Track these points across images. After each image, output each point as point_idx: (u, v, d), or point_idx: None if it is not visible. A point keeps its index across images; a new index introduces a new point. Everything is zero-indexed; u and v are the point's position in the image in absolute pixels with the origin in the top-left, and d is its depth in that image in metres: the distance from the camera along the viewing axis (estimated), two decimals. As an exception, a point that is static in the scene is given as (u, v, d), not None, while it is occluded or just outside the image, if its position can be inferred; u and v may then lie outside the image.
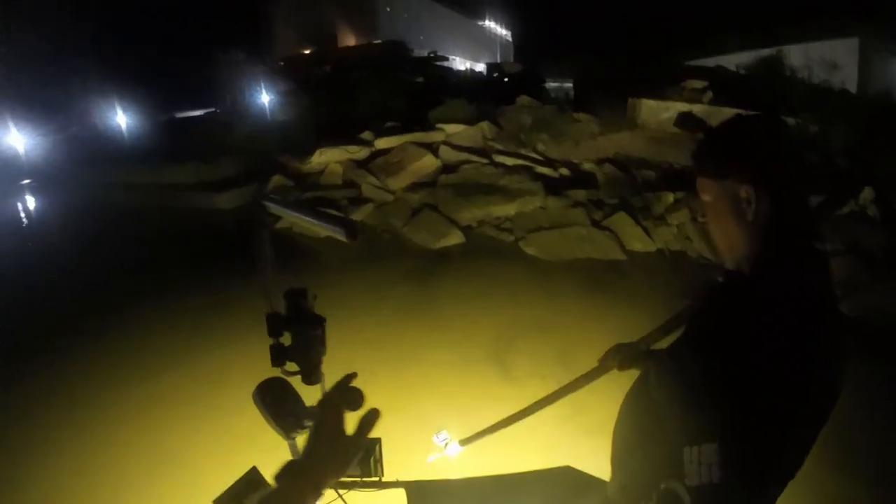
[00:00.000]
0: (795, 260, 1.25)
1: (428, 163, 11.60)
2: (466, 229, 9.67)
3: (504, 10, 48.96)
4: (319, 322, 1.52)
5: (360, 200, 11.01)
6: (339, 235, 1.25)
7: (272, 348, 1.55)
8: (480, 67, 30.50)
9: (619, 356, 1.91)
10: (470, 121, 13.13)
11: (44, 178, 16.75)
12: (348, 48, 26.08)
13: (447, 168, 11.59)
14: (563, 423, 4.29)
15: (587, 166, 11.44)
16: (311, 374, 1.53)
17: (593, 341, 5.69)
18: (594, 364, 2.02)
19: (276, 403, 1.53)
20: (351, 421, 1.07)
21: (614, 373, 1.94)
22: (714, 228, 1.39)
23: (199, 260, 9.55)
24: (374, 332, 6.43)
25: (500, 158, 11.64)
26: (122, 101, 21.72)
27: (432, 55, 24.02)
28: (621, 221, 9.38)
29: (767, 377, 1.09)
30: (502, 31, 50.22)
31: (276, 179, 12.22)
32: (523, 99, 15.02)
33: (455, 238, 9.38)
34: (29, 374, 6.03)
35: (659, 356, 1.62)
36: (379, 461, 1.63)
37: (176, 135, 17.89)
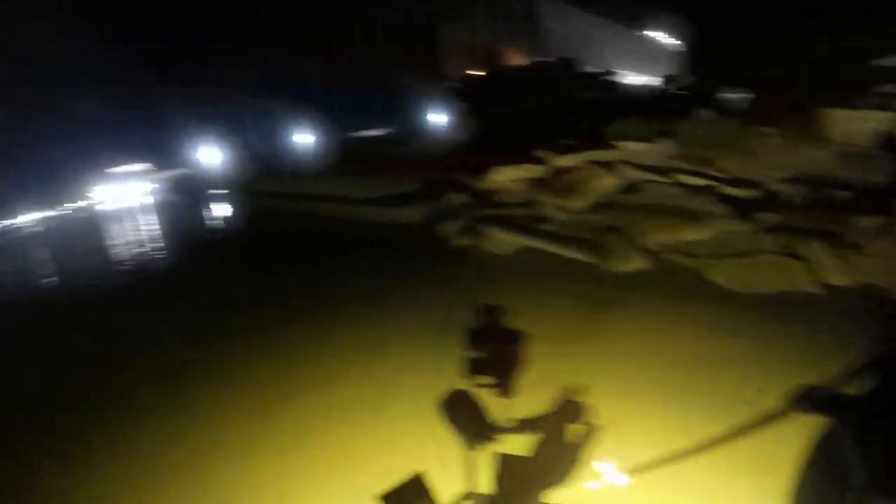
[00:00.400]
0: None
1: (608, 182, 11.54)
2: (649, 253, 9.45)
3: (672, 20, 47.26)
4: (519, 338, 1.58)
5: (539, 220, 11.16)
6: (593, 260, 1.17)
7: (469, 362, 1.58)
8: (650, 80, 29.73)
9: (805, 400, 1.84)
10: (647, 138, 12.90)
11: (233, 187, 18.56)
12: (518, 67, 26.44)
13: (628, 187, 11.44)
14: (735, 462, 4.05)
15: (774, 185, 10.80)
16: (507, 388, 1.58)
17: (777, 381, 5.32)
18: (774, 405, 1.90)
19: (466, 415, 1.54)
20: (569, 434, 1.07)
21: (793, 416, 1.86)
22: None
23: (374, 270, 10.22)
24: (545, 353, 6.16)
25: (682, 178, 11.31)
26: (305, 122, 23.62)
27: (601, 70, 23.81)
28: (815, 250, 8.73)
29: None
30: (671, 41, 48.47)
31: (454, 197, 12.71)
32: (703, 113, 14.49)
33: (639, 262, 9.20)
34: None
35: (855, 408, 1.53)
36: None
37: (353, 152, 19.17)
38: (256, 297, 9.34)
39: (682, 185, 11.14)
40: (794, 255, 8.80)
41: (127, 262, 12.47)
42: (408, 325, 7.81)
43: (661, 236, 9.69)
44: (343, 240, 12.86)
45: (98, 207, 18.10)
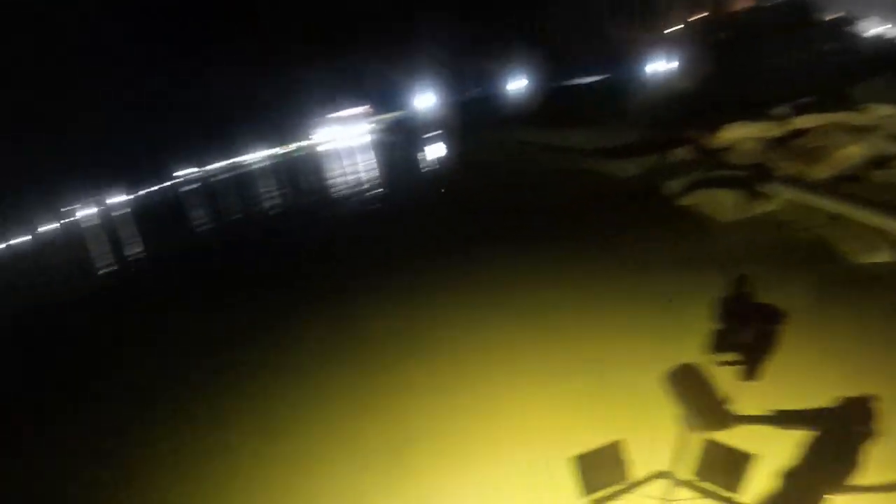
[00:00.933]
0: None
1: (853, 152, 10.53)
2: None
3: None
4: (779, 317, 1.35)
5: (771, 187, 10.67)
6: None
7: (718, 334, 1.43)
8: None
9: None
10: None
11: (449, 131, 19.36)
12: (743, 11, 24.33)
13: (879, 161, 10.46)
14: None
15: None
16: (754, 370, 1.35)
17: None
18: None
19: (695, 392, 1.33)
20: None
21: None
22: None
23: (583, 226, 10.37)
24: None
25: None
26: (519, 68, 23.64)
27: (841, 17, 21.30)
28: None
29: None
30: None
31: (680, 153, 12.40)
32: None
33: (887, 254, 8.45)
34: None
35: None
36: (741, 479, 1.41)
37: (569, 101, 18.92)
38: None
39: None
40: None
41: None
42: (633, 288, 8.00)
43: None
44: (558, 190, 13.12)
45: (320, 147, 20.08)
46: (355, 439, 6.03)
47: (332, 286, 11.57)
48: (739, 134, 11.77)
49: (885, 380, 4.92)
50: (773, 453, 4.03)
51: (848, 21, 20.73)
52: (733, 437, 3.60)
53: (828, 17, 21.22)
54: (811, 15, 19.95)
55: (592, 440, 4.14)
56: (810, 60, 15.07)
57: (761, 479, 3.72)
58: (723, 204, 10.08)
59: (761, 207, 10.06)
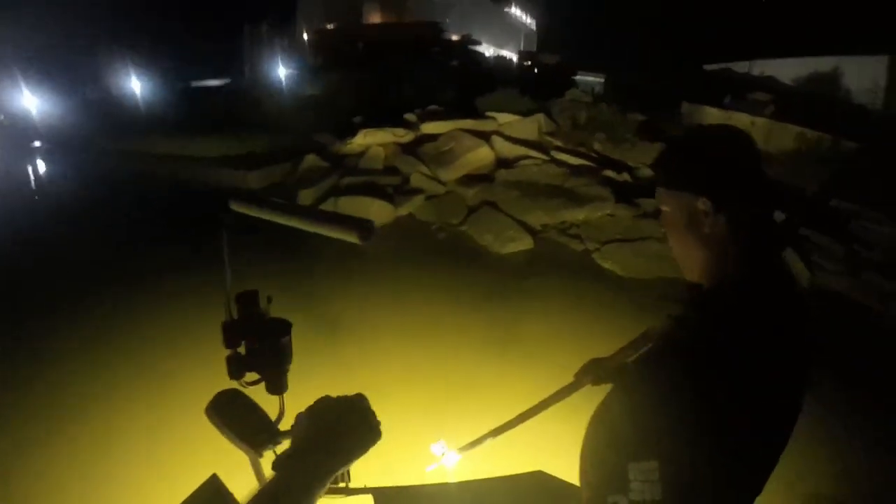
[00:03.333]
0: (753, 275, 1.22)
1: (483, 154, 10.64)
2: (534, 234, 8.67)
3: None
4: (286, 328, 1.36)
5: (408, 191, 10.03)
6: (350, 238, 1.13)
7: (229, 360, 1.38)
8: (509, 54, 29.35)
9: (594, 371, 1.93)
10: (523, 112, 12.10)
11: (57, 141, 15.95)
12: (379, 25, 24.76)
13: (503, 162, 10.60)
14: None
15: (645, 172, 10.47)
16: (277, 384, 1.38)
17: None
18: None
19: (240, 418, 1.36)
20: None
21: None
22: (673, 241, 1.38)
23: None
24: (435, 350, 5.67)
25: (560, 156, 10.64)
26: (136, 65, 20.65)
27: (466, 37, 22.84)
28: None
29: (713, 396, 1.06)
30: (527, 20, 48.75)
31: (310, 159, 11.24)
32: (574, 92, 14.05)
33: (524, 243, 8.40)
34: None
35: (623, 371, 1.77)
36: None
37: (196, 105, 16.97)
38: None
39: (559, 163, 10.47)
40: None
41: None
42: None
43: (543, 216, 8.95)
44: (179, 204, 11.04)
45: None
46: None
47: None
48: (370, 140, 11.18)
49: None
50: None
51: (471, 41, 22.25)
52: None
53: (454, 37, 22.59)
54: (440, 34, 20.86)
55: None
56: (441, 73, 15.27)
57: None
58: (365, 210, 9.05)
59: (401, 211, 9.30)
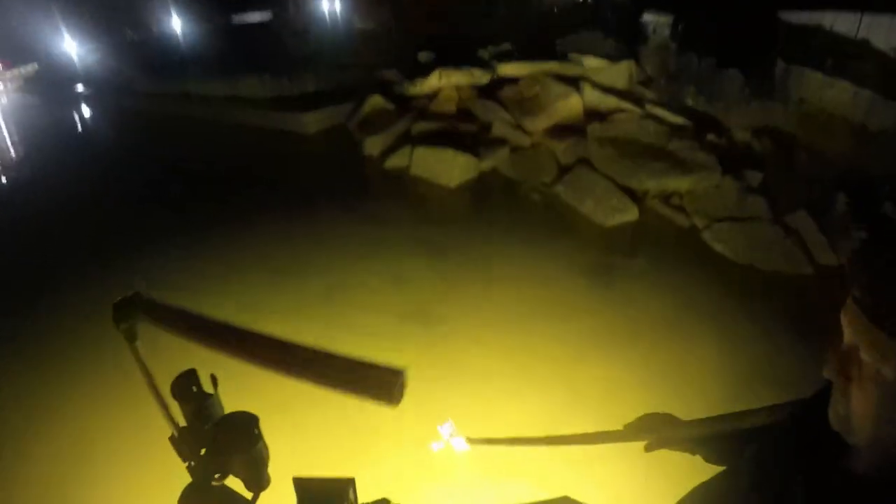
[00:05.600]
0: None
1: (573, 104, 9.62)
2: (637, 202, 7.75)
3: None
4: (253, 422, 1.13)
5: (490, 141, 9.09)
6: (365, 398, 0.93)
7: (192, 470, 1.17)
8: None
9: (656, 434, 1.56)
10: (611, 56, 10.87)
11: (99, 85, 15.27)
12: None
13: (594, 114, 9.55)
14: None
15: (741, 135, 9.39)
16: (259, 481, 1.16)
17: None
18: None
19: None
20: None
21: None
22: (862, 397, 0.87)
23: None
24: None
25: (657, 111, 9.52)
26: (176, 3, 19.53)
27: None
28: (803, 222, 7.19)
29: None
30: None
31: (375, 101, 10.28)
32: (659, 38, 12.77)
33: (629, 213, 7.51)
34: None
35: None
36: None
37: (239, 42, 16.00)
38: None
39: (656, 119, 9.38)
40: (784, 225, 7.39)
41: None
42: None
43: (647, 182, 7.99)
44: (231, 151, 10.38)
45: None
46: None
47: None
48: (444, 81, 10.00)
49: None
50: None
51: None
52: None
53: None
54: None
55: None
56: (513, 9, 14.03)
57: None
58: (445, 165, 8.14)
59: (485, 165, 8.40)
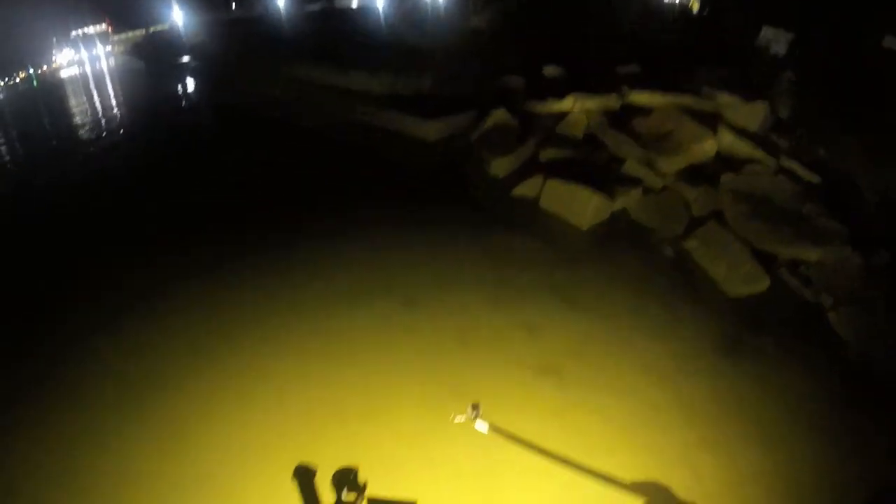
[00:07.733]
0: None
1: (708, 147, 9.52)
2: (768, 269, 7.71)
3: None
4: None
5: (622, 178, 9.16)
6: None
7: None
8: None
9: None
10: (746, 92, 10.49)
11: (203, 58, 15.57)
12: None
13: (727, 161, 9.41)
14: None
15: (871, 196, 9.12)
16: None
17: None
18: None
19: None
20: None
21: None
22: None
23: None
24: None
25: (790, 165, 9.26)
26: None
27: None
28: None
29: None
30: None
31: (498, 115, 10.30)
32: (775, 55, 12.23)
33: (760, 284, 7.51)
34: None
35: None
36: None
37: (336, 29, 15.92)
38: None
39: (789, 174, 9.14)
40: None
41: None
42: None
43: (781, 249, 7.93)
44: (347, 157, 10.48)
45: (59, 74, 15.39)
46: None
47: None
48: (578, 106, 9.97)
49: None
50: None
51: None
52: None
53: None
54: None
55: None
56: (649, 26, 13.72)
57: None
58: (579, 205, 8.26)
59: (617, 205, 8.73)
